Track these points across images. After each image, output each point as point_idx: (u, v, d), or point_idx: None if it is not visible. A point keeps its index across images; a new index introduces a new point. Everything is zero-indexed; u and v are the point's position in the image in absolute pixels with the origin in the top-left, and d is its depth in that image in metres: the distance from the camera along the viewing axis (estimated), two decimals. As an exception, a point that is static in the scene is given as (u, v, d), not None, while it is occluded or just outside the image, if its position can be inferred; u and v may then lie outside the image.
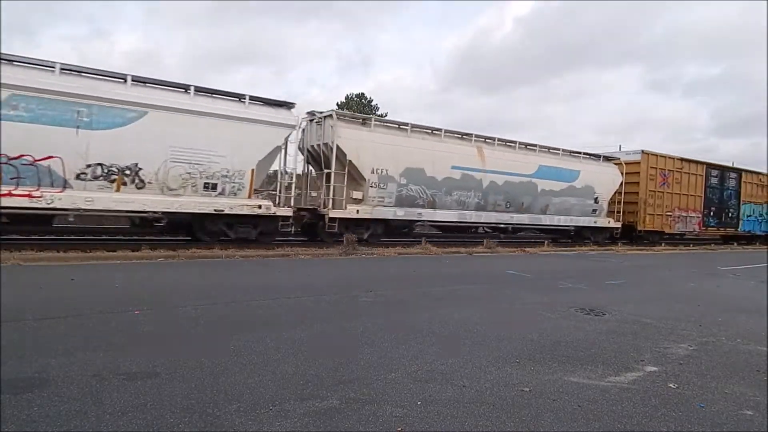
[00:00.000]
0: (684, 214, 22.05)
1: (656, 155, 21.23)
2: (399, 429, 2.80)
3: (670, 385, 3.82)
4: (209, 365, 3.64)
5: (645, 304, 7.30)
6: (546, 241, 17.57)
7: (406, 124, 14.80)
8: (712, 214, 23.52)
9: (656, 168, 21.06)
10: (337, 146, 13.23)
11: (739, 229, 25.05)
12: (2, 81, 8.97)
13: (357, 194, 13.75)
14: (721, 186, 24.08)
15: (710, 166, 23.77)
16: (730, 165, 25.66)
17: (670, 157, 21.76)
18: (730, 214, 24.61)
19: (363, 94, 41.72)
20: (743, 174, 25.52)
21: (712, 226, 23.86)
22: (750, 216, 25.73)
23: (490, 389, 3.50)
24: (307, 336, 4.59)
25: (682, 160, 22.19)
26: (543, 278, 9.63)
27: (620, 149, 23.86)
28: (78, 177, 9.86)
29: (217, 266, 8.89)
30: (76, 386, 3.11)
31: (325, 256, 11.27)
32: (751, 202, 25.71)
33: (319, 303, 6.18)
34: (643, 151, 20.79)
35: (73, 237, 11.17)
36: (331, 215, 13.14)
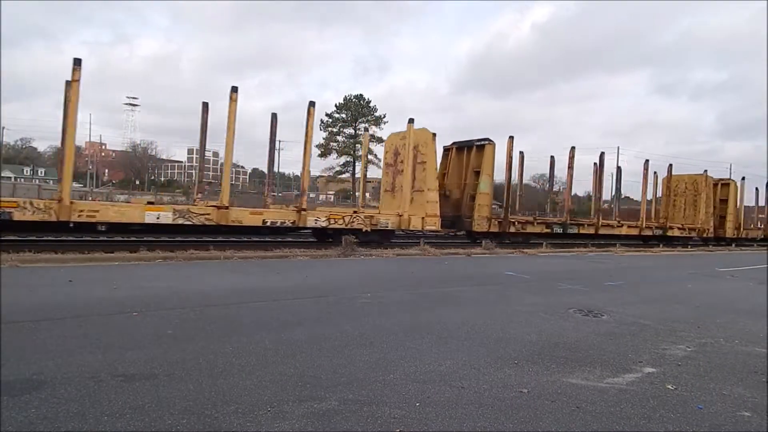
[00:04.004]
0: None
1: None
2: (398, 430, 2.80)
3: (669, 386, 3.82)
4: (207, 367, 3.64)
5: (643, 305, 7.30)
6: (544, 243, 17.66)
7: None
8: None
9: None
10: None
11: None
12: None
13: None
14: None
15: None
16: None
17: None
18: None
19: (362, 95, 41.69)
20: None
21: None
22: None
23: (489, 390, 3.50)
24: (305, 337, 4.58)
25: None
26: (542, 279, 9.64)
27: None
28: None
29: (215, 267, 8.88)
30: (74, 388, 3.10)
31: (323, 257, 11.26)
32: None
33: (317, 304, 6.17)
34: None
35: (72, 238, 11.15)
36: None
